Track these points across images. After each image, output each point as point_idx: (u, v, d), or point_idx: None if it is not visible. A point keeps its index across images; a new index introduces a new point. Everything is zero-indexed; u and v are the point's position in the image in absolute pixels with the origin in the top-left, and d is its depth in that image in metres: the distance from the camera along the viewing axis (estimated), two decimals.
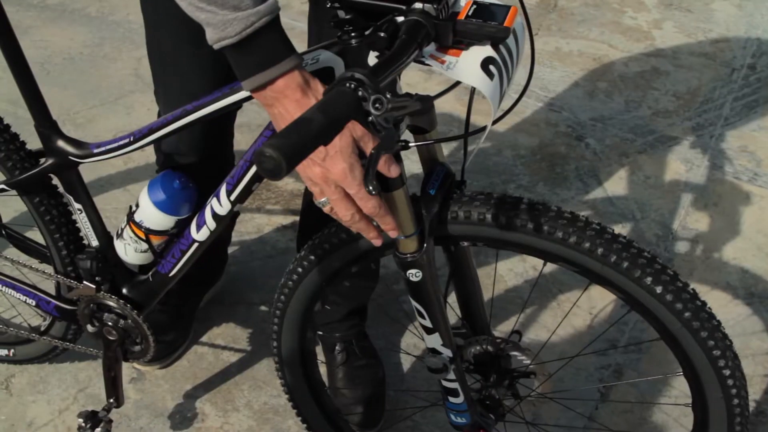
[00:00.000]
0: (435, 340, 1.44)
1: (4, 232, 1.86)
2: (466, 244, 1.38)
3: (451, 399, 1.54)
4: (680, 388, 2.08)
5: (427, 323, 1.41)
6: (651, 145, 2.91)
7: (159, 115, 1.85)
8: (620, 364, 2.17)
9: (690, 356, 1.31)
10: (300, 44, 1.28)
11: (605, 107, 3.10)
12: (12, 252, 1.90)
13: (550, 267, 1.34)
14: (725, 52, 3.42)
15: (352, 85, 0.95)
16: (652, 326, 1.33)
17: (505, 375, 1.56)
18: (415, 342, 2.21)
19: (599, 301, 2.32)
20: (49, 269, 1.78)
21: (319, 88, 1.12)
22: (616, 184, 2.74)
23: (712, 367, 1.30)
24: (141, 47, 3.29)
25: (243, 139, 2.57)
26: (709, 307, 1.30)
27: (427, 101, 1.08)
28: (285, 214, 2.61)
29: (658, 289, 1.26)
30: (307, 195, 2.01)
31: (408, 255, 1.32)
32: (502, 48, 1.14)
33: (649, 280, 1.26)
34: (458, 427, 1.60)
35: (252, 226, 2.56)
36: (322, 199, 1.13)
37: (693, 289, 1.29)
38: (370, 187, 0.94)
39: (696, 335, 1.28)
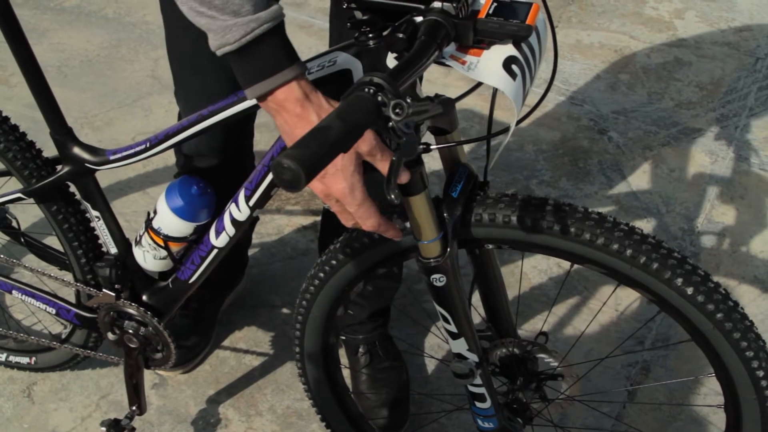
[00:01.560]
0: (460, 345, 1.41)
1: (23, 240, 1.85)
2: (490, 246, 1.35)
3: (478, 404, 1.51)
4: (710, 386, 2.05)
5: (452, 328, 1.38)
6: (675, 137, 2.86)
7: (179, 116, 1.83)
8: (648, 360, 2.13)
9: (722, 358, 1.29)
10: (318, 42, 1.25)
11: (627, 100, 3.05)
12: (31, 260, 1.89)
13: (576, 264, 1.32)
14: (749, 41, 3.36)
15: (371, 90, 0.91)
16: (683, 327, 1.30)
17: (533, 378, 1.53)
18: (439, 343, 2.18)
19: (625, 298, 2.28)
20: (69, 277, 1.77)
21: (321, 102, 1.10)
22: (640, 178, 2.70)
23: (746, 369, 1.28)
24: (158, 48, 3.29)
25: (263, 139, 2.55)
26: (742, 308, 1.26)
27: (448, 104, 1.05)
28: (305, 214, 2.59)
29: (689, 291, 1.23)
30: None
31: (431, 260, 1.28)
32: (524, 46, 1.10)
33: (679, 281, 1.23)
34: None
35: (272, 227, 2.54)
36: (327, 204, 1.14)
37: (725, 290, 1.25)
38: (392, 196, 0.91)
39: (728, 336, 1.25)
